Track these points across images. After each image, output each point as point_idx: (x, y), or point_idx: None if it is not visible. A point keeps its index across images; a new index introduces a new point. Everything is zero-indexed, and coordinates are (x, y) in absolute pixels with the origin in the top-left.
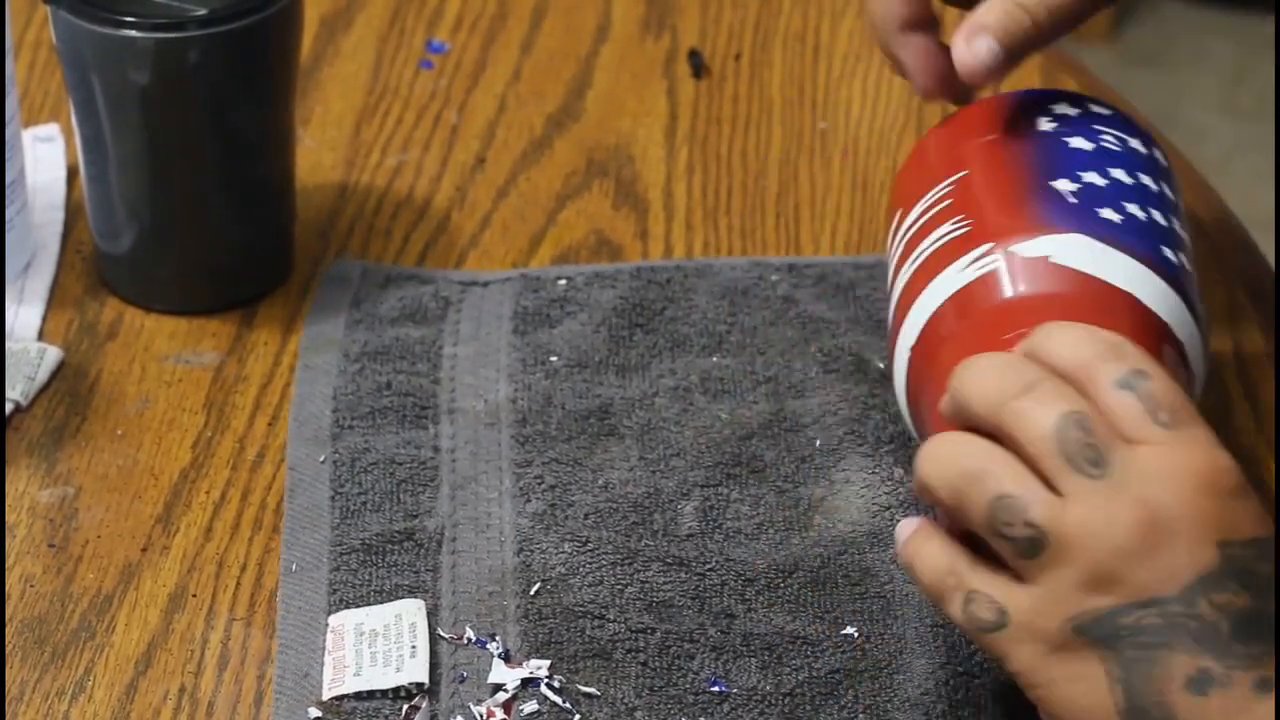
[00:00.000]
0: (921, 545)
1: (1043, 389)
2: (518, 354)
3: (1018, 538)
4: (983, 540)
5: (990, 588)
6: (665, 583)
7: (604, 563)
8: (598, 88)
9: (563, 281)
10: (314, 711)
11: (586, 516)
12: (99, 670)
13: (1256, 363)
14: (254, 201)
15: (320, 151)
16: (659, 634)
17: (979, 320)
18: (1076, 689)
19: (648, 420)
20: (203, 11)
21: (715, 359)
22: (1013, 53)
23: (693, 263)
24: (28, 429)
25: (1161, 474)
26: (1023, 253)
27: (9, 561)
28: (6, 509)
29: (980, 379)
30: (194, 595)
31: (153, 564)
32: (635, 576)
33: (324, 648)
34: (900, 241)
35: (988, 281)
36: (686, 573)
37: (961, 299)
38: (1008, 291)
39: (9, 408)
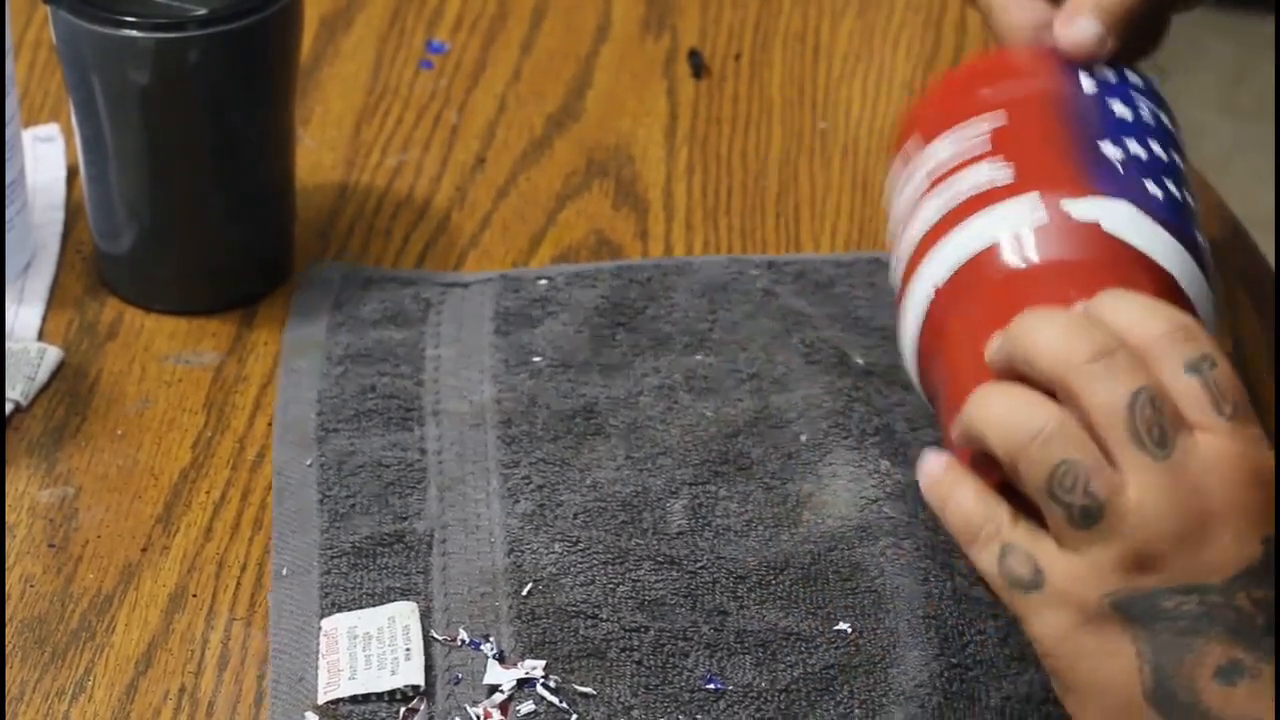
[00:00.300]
0: (955, 488)
1: (1117, 358)
2: (500, 355)
3: (1073, 505)
4: (1014, 492)
5: (1030, 545)
6: (657, 581)
7: (595, 562)
8: (598, 88)
9: (543, 281)
10: (310, 716)
11: (576, 516)
12: (99, 670)
13: (1256, 363)
14: (254, 201)
15: (320, 151)
16: (652, 632)
17: (1020, 274)
18: (1103, 664)
19: (633, 419)
20: (203, 11)
21: (698, 357)
22: (1115, 26)
23: (672, 261)
24: (28, 429)
25: (1220, 464)
26: (1073, 214)
27: (9, 561)
28: (6, 509)
29: (1049, 335)
30: (194, 595)
31: (153, 564)
32: (627, 575)
33: (318, 651)
34: (922, 173)
35: (1035, 236)
36: (678, 571)
37: (1002, 249)
38: (1053, 253)
39: (9, 408)
